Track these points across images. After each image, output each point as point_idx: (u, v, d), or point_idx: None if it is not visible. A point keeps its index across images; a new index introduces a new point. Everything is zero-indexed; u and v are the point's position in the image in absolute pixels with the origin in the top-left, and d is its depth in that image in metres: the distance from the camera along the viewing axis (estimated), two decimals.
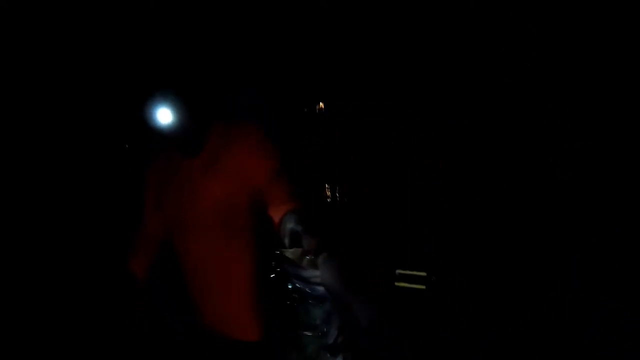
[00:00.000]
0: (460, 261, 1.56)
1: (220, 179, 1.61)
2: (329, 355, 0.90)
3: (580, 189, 1.62)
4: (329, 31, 2.11)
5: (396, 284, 1.02)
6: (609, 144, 1.63)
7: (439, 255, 1.56)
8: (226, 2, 2.32)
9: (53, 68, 2.33)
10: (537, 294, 1.51)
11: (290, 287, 0.94)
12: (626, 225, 1.56)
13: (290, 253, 0.98)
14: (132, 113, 1.60)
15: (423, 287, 1.38)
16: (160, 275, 1.88)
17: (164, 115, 1.56)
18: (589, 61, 1.66)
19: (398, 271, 1.01)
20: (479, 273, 1.55)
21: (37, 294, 2.28)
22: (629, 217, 1.56)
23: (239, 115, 1.97)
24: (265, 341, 1.74)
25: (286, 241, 1.09)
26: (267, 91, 2.29)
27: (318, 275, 0.91)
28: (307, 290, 0.92)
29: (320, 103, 2.15)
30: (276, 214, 1.61)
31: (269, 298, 1.71)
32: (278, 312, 0.93)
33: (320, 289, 0.91)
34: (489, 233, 1.61)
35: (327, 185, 1.78)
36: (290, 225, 1.10)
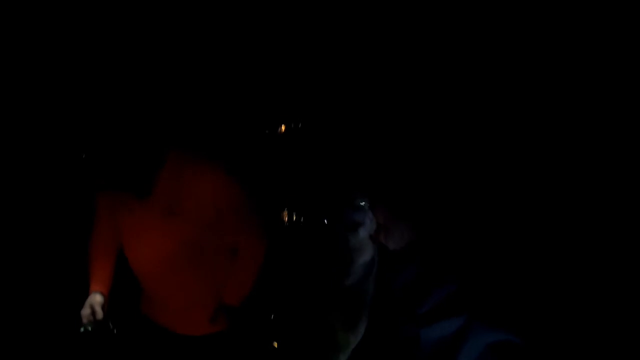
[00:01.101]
0: (460, 261, 1.56)
1: (185, 219, 1.51)
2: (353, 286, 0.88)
3: (580, 189, 1.62)
4: (328, 31, 2.11)
5: None
6: (609, 144, 1.63)
7: (439, 255, 1.55)
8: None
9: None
10: (537, 294, 1.51)
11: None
12: (626, 225, 1.56)
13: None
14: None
15: None
16: None
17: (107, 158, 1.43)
18: (589, 61, 1.66)
19: None
20: (478, 273, 1.54)
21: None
22: (629, 217, 1.56)
23: (209, 140, 1.91)
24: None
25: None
26: (237, 116, 2.23)
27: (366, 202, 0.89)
28: (344, 215, 0.89)
29: (282, 126, 2.13)
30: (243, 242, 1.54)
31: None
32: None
33: (359, 215, 0.89)
34: (489, 233, 1.61)
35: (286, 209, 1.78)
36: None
